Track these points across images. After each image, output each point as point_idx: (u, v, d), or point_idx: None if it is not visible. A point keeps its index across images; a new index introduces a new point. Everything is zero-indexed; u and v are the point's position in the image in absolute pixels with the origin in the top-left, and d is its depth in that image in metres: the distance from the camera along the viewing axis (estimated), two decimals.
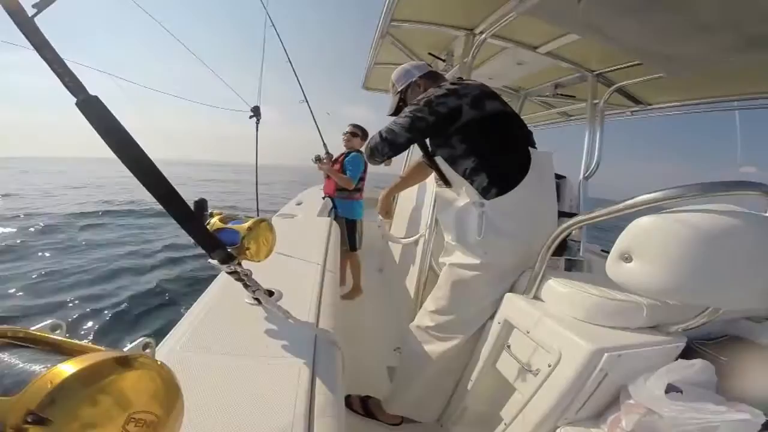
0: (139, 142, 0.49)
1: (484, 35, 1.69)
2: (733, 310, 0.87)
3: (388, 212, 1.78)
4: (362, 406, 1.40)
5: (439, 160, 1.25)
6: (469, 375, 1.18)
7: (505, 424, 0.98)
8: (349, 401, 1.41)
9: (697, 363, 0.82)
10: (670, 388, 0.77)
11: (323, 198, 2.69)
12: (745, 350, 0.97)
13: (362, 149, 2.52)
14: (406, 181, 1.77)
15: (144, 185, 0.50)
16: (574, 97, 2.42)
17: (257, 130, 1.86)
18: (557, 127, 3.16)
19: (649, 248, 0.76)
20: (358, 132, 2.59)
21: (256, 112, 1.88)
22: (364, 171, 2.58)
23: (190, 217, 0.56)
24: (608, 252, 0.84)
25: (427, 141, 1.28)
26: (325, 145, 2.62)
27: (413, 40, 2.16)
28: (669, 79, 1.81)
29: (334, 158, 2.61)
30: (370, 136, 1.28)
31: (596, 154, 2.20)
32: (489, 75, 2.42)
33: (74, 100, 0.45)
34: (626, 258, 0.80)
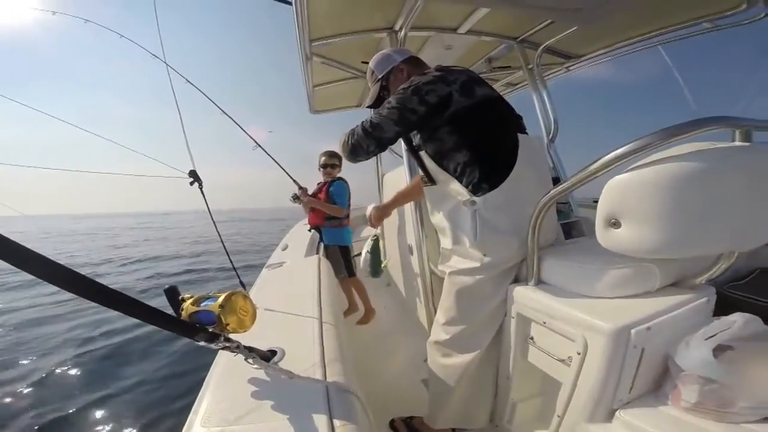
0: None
1: (404, 29, 1.71)
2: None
3: (377, 221, 1.72)
4: (407, 427, 1.35)
5: (423, 155, 1.15)
6: (505, 371, 1.12)
7: (559, 416, 0.91)
8: (393, 426, 1.38)
9: (737, 319, 0.74)
10: (721, 348, 0.70)
11: (309, 230, 2.66)
12: None
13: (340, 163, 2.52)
14: (407, 197, 1.63)
15: (96, 302, 0.48)
16: (510, 67, 2.49)
17: (204, 195, 1.68)
18: (508, 98, 3.25)
19: (633, 207, 0.73)
20: (338, 162, 2.55)
21: (194, 176, 1.67)
22: (349, 197, 2.57)
23: (154, 314, 0.55)
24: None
25: (413, 134, 1.18)
26: (295, 182, 2.59)
27: (342, 53, 2.16)
28: (589, 29, 1.89)
29: (315, 189, 2.60)
30: (348, 131, 1.14)
31: (551, 115, 2.22)
32: None
33: None
34: (614, 223, 0.77)
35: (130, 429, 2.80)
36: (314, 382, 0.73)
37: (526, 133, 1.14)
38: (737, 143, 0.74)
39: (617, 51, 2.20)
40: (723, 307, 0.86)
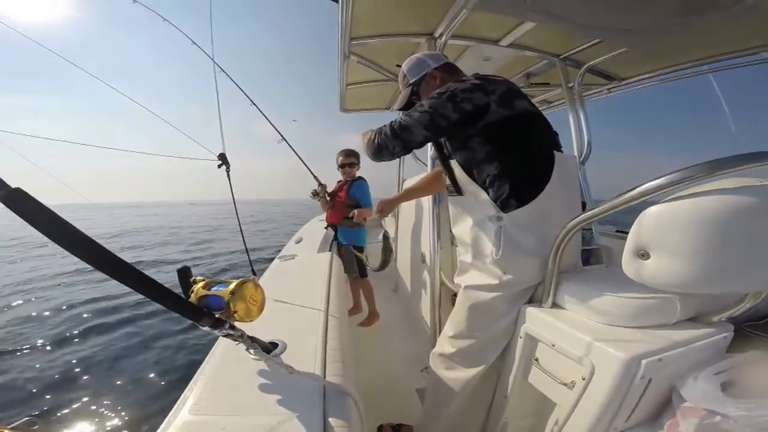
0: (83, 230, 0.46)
1: (444, 37, 1.70)
2: None
3: (382, 212, 1.68)
4: None
5: (453, 164, 1.12)
6: (504, 389, 1.10)
7: None
8: (381, 431, 1.37)
9: (753, 359, 0.74)
10: (727, 384, 0.70)
11: (326, 228, 2.68)
12: None
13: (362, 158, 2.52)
14: (420, 191, 1.59)
15: (106, 273, 0.48)
16: (549, 84, 2.43)
17: (229, 178, 1.78)
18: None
19: (665, 240, 0.70)
20: (356, 161, 2.57)
21: (223, 159, 1.78)
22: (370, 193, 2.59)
23: (163, 292, 0.55)
24: (623, 232, 0.80)
25: (444, 141, 1.15)
26: (316, 178, 2.63)
27: (378, 55, 2.16)
28: (637, 51, 1.81)
29: (335, 187, 2.62)
30: (375, 129, 1.12)
31: (585, 136, 2.15)
32: None
33: None
34: (642, 255, 0.74)
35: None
36: (313, 379, 0.72)
37: (562, 151, 1.10)
38: None
39: (664, 76, 2.11)
40: (738, 345, 0.84)
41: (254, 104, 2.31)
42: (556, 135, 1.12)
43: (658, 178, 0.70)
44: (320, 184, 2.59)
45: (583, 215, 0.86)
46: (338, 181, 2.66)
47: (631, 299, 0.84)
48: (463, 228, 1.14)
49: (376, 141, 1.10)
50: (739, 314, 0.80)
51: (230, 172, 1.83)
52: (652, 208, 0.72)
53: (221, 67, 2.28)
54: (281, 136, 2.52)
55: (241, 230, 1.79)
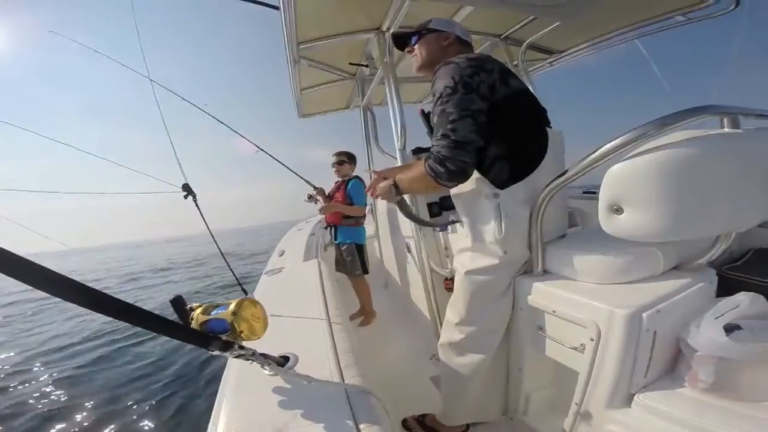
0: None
1: (391, 30, 1.73)
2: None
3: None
4: (421, 426, 1.35)
5: None
6: (517, 362, 1.12)
7: (576, 403, 0.90)
8: (406, 425, 1.37)
9: (742, 299, 0.77)
10: (728, 328, 0.72)
11: (325, 228, 2.68)
12: None
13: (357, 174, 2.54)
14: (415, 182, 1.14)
15: (101, 312, 0.48)
16: None
17: (198, 207, 1.69)
18: None
19: (635, 194, 0.75)
20: (345, 159, 2.56)
21: (187, 189, 1.71)
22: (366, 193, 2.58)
23: (167, 324, 0.55)
24: (590, 192, 0.84)
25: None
26: (309, 183, 2.63)
27: (329, 56, 2.15)
28: (569, 25, 1.93)
29: (332, 189, 2.59)
30: (431, 164, 0.97)
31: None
32: (412, 67, 2.50)
33: None
34: (616, 210, 0.78)
35: None
36: (333, 386, 0.72)
37: (551, 127, 1.11)
38: (727, 130, 0.77)
39: (597, 45, 2.27)
40: (723, 288, 0.89)
41: (207, 113, 2.21)
42: (545, 111, 1.12)
43: (616, 138, 0.76)
44: (315, 188, 2.58)
45: (555, 181, 0.92)
46: (336, 182, 2.65)
47: (616, 255, 0.89)
48: (458, 211, 1.13)
49: (448, 166, 0.94)
50: (717, 257, 0.86)
51: (198, 201, 1.75)
52: (616, 166, 0.77)
53: (160, 83, 2.15)
54: (257, 146, 2.47)
55: (221, 252, 1.73)
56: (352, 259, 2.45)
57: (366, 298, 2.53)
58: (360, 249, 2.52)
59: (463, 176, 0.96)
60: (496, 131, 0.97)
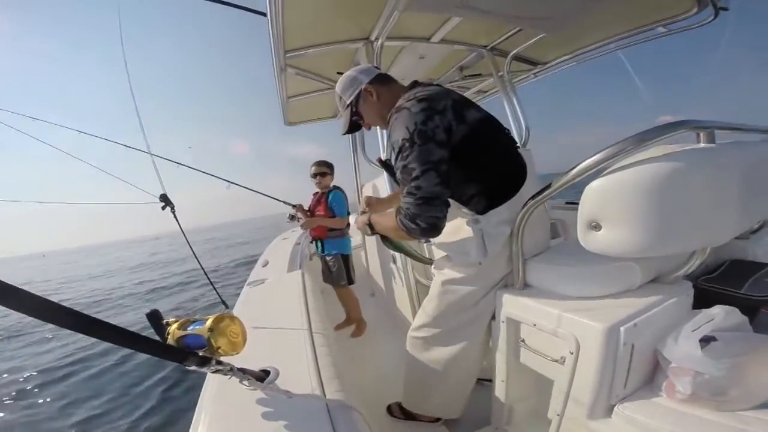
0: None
1: (380, 40, 1.74)
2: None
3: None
4: (401, 411, 1.42)
5: None
6: (500, 374, 1.13)
7: (558, 414, 0.91)
8: (390, 410, 1.47)
9: (717, 311, 0.78)
10: (705, 339, 0.73)
11: (311, 242, 2.65)
12: (750, 271, 0.99)
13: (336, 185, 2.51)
14: (383, 231, 1.20)
15: (70, 329, 0.47)
16: (481, 74, 2.58)
17: (176, 218, 1.70)
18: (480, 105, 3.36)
19: (611, 210, 0.76)
20: (327, 170, 2.51)
21: (165, 200, 1.71)
22: (348, 205, 2.55)
23: (140, 339, 0.54)
24: (573, 203, 0.84)
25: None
26: (286, 203, 2.60)
27: (317, 65, 2.16)
28: (553, 36, 1.98)
29: (312, 202, 2.56)
30: (403, 221, 0.96)
31: (522, 120, 2.31)
32: (400, 76, 2.49)
33: None
34: (594, 226, 0.79)
35: None
36: (314, 400, 0.71)
37: (518, 146, 1.12)
38: (702, 145, 0.79)
39: (581, 56, 2.33)
40: (700, 300, 0.91)
41: (185, 165, 2.22)
42: (508, 132, 1.12)
43: (594, 154, 0.78)
44: (294, 206, 2.53)
45: (536, 198, 0.93)
46: (314, 194, 2.59)
47: (594, 269, 0.90)
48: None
49: (420, 224, 0.93)
50: (692, 270, 0.88)
51: (176, 211, 1.71)
52: (594, 182, 0.78)
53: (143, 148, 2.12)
54: (228, 181, 2.43)
55: (200, 265, 1.68)
56: (337, 270, 2.43)
57: (354, 308, 2.50)
58: (345, 259, 2.51)
59: (436, 231, 0.95)
60: (464, 176, 0.98)
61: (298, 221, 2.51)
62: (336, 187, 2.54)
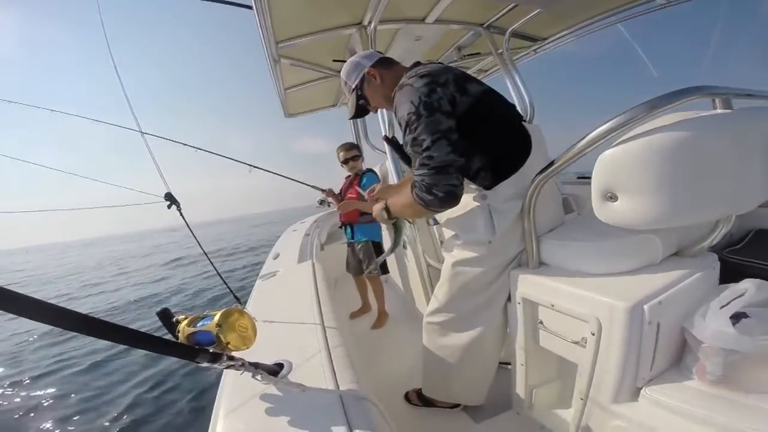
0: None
1: (373, 23, 1.69)
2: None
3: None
4: (419, 398, 1.44)
5: None
6: (520, 357, 1.10)
7: (582, 398, 0.87)
8: (407, 397, 1.49)
9: (748, 286, 0.73)
10: (735, 316, 0.68)
11: (339, 227, 2.56)
12: None
13: (375, 169, 2.42)
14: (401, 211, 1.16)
15: (82, 333, 0.48)
16: (480, 53, 2.51)
17: (183, 216, 1.64)
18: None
19: (629, 180, 0.73)
20: (357, 152, 2.42)
21: (170, 198, 1.64)
22: None
23: (151, 339, 0.55)
24: (585, 177, 0.81)
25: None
26: (315, 187, 2.49)
27: (311, 54, 2.11)
28: (550, 11, 1.92)
29: (345, 185, 2.46)
30: (418, 192, 0.94)
31: (525, 97, 2.26)
32: (398, 59, 2.45)
33: None
34: (610, 197, 0.76)
35: None
36: (328, 393, 0.71)
37: (524, 121, 1.11)
38: (719, 111, 0.75)
39: (580, 31, 2.26)
40: (726, 273, 0.86)
41: (202, 149, 2.16)
42: (513, 106, 1.11)
43: (605, 122, 0.74)
44: (323, 190, 2.44)
45: (545, 171, 0.89)
46: (346, 177, 2.49)
47: (612, 244, 0.86)
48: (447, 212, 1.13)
49: (436, 193, 0.91)
50: (717, 242, 0.83)
51: (182, 209, 1.70)
52: (608, 152, 0.75)
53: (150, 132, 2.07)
54: (250, 165, 2.39)
55: (210, 261, 1.70)
56: (369, 257, 2.34)
57: (380, 299, 2.45)
58: (377, 246, 2.41)
59: (455, 199, 0.92)
60: (470, 146, 0.96)
61: (329, 206, 2.45)
62: (369, 170, 2.42)
